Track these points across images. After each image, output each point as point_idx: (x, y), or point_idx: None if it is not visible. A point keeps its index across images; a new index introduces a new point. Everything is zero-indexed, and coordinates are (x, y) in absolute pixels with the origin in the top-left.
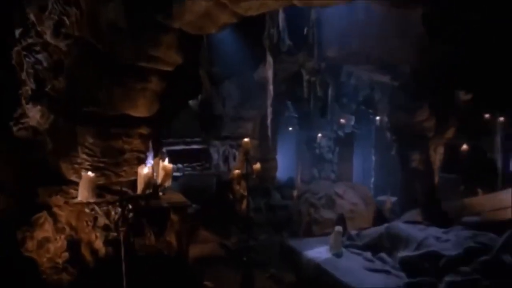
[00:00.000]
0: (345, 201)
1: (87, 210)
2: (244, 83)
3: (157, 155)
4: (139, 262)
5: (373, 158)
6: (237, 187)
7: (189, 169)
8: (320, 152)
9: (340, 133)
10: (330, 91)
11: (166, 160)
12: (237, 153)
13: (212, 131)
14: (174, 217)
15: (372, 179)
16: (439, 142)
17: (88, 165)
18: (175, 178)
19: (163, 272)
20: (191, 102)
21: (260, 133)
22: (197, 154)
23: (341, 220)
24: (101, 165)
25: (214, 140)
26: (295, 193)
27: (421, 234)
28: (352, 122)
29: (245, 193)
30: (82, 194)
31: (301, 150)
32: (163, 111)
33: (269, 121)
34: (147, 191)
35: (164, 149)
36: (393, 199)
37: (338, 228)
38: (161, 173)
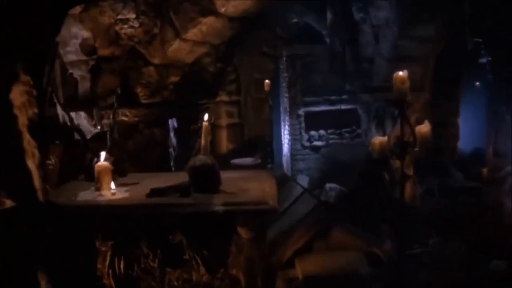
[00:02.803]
0: None
1: None
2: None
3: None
4: None
5: None
6: (396, 163)
7: (335, 136)
8: None
9: None
10: None
11: None
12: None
13: (359, 80)
14: (243, 231)
15: None
16: None
17: None
18: (316, 149)
19: None
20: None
21: (434, 82)
22: (345, 117)
23: None
24: None
25: (363, 94)
26: (485, 172)
27: None
28: None
29: (410, 172)
30: None
31: (495, 111)
32: None
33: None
34: None
35: (301, 111)
36: None
37: None
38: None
